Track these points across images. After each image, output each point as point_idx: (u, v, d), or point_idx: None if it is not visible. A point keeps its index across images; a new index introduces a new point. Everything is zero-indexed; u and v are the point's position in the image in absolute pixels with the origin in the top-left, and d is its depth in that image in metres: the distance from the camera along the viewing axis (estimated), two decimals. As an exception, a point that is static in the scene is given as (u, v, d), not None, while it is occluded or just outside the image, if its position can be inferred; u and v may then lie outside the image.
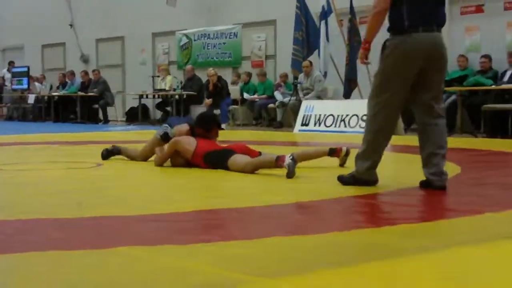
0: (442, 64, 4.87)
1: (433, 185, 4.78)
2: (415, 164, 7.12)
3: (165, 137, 6.72)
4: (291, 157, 5.56)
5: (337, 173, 5.30)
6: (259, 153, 6.23)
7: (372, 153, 4.90)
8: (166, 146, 6.59)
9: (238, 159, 6.07)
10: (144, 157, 7.05)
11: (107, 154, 7.27)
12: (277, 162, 5.64)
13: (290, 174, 5.50)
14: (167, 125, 7.08)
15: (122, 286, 2.46)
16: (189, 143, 6.35)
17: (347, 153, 6.43)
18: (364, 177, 4.94)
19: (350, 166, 5.66)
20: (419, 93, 4.85)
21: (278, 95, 15.35)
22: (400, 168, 6.95)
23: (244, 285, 2.46)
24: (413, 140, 9.85)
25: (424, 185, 4.87)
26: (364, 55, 5.01)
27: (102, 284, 2.48)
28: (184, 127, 6.72)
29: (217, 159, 6.19)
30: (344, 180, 5.06)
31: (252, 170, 5.91)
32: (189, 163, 6.39)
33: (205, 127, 6.53)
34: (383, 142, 4.95)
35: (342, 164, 6.43)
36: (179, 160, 6.47)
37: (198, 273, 2.62)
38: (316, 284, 2.46)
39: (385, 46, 4.82)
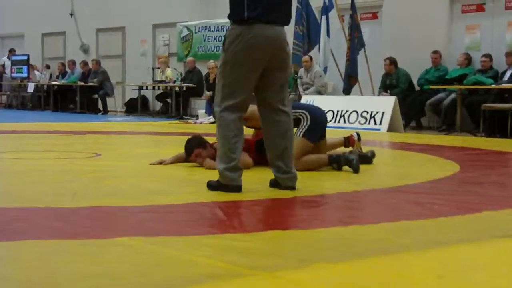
0: (286, 60, 4.47)
1: (282, 185, 4.54)
2: (415, 161, 7.16)
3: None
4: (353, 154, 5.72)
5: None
6: None
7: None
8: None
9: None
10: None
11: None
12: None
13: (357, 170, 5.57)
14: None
15: (120, 277, 2.45)
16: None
17: (359, 138, 6.33)
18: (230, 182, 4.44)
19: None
20: (264, 93, 4.48)
21: None
22: (400, 165, 6.95)
23: (242, 278, 2.46)
24: (413, 137, 9.75)
25: (272, 184, 4.62)
26: None
27: (100, 275, 2.48)
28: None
29: None
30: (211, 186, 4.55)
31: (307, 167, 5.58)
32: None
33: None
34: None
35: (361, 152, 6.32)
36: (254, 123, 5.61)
37: (197, 265, 2.62)
38: (313, 278, 2.46)
39: (225, 37, 4.41)
